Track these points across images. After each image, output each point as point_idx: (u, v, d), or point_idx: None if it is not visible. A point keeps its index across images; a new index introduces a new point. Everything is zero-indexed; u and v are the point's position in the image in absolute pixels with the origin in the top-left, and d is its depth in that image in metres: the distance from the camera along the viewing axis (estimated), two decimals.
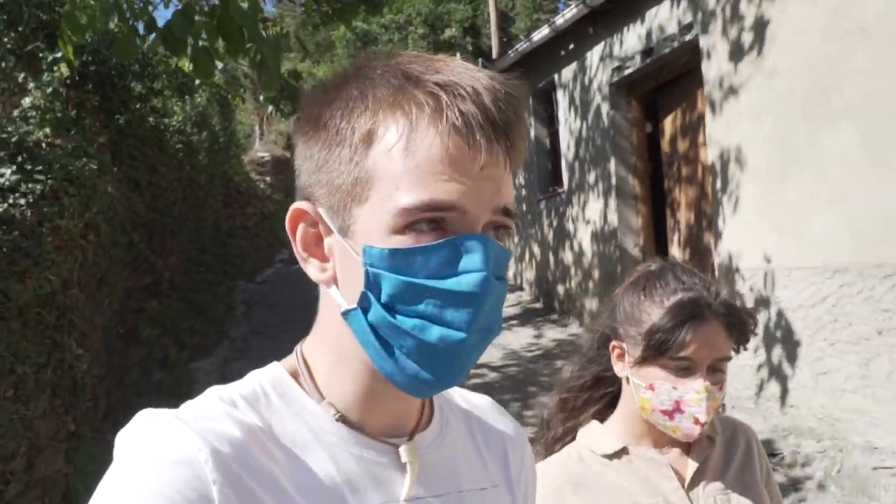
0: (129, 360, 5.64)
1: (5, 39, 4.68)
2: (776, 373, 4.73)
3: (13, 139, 3.50)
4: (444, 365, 0.63)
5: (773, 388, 4.77)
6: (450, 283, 0.61)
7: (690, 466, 1.30)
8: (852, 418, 4.12)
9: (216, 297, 8.69)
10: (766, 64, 4.64)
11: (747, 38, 4.79)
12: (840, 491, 3.97)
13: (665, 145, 6.46)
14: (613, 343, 1.32)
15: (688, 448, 1.32)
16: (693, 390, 1.21)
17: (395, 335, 0.63)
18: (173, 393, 5.75)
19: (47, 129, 3.87)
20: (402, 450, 0.70)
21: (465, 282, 0.61)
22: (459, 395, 0.88)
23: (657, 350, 1.22)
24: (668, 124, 6.37)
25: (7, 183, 3.40)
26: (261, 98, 11.50)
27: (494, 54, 13.08)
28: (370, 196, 0.63)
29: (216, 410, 0.63)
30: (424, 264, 0.62)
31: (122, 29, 4.45)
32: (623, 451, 1.32)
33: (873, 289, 3.91)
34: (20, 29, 4.69)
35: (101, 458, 4.08)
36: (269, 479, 0.61)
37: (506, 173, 0.65)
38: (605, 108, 6.80)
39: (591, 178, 7.10)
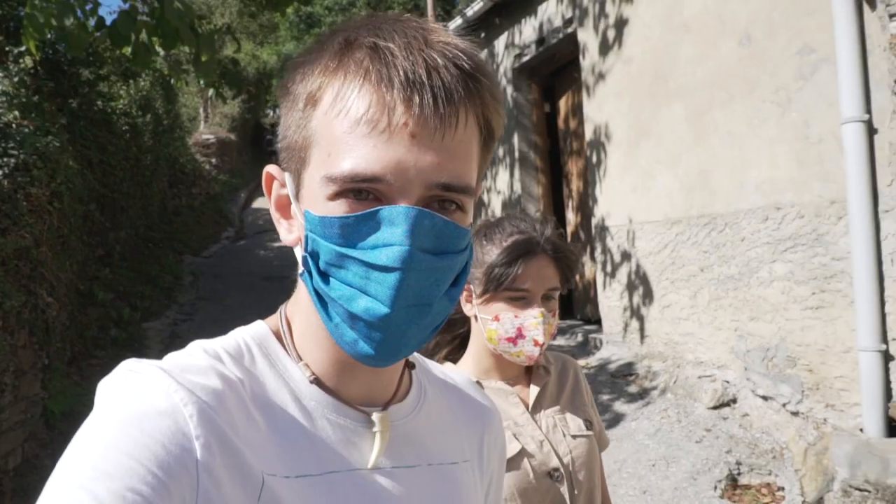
0: (88, 318, 6.36)
1: None
2: (636, 311, 5.76)
3: None
4: (378, 338, 0.63)
5: (635, 323, 5.79)
6: (370, 256, 0.61)
7: (532, 393, 1.49)
8: (686, 340, 5.16)
9: (164, 268, 9.37)
10: (625, 53, 5.61)
11: (611, 32, 5.75)
12: (674, 396, 5.01)
13: (560, 123, 7.43)
14: None
15: (528, 379, 1.52)
16: (531, 316, 1.40)
17: (329, 302, 0.64)
18: (127, 347, 6.51)
19: (16, 112, 4.59)
20: (374, 418, 0.71)
21: (384, 255, 0.60)
22: (439, 370, 0.90)
23: (497, 283, 1.40)
24: (563, 105, 7.33)
25: None
26: (201, 83, 12.10)
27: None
28: (312, 160, 0.64)
29: (202, 363, 0.63)
30: (351, 234, 0.61)
31: (75, 26, 5.16)
32: (478, 385, 1.50)
33: (697, 235, 4.93)
34: None
35: (69, 392, 4.86)
36: (250, 436, 0.62)
37: (454, 141, 0.62)
38: (509, 90, 7.71)
39: (500, 152, 8.03)
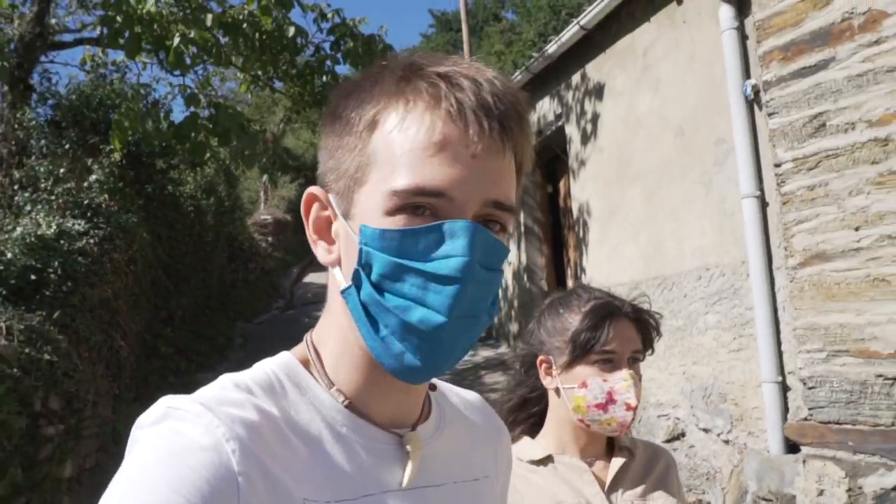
0: (151, 367, 7.53)
1: (72, 133, 6.79)
2: None
3: (86, 202, 5.51)
4: (427, 349, 0.65)
5: None
6: (431, 266, 0.64)
7: (611, 473, 1.42)
8: (648, 385, 5.96)
9: (219, 331, 10.58)
10: (598, 143, 6.67)
11: (589, 126, 6.83)
12: (638, 433, 5.77)
13: (561, 201, 8.46)
14: (541, 358, 1.45)
15: (609, 459, 1.45)
16: (621, 379, 1.35)
17: (381, 313, 0.66)
18: (184, 391, 7.61)
19: (105, 195, 5.89)
20: (407, 439, 0.73)
21: (446, 265, 0.63)
22: (453, 392, 0.92)
23: (584, 348, 1.37)
24: (562, 186, 8.39)
25: (83, 229, 5.39)
26: (257, 170, 13.68)
27: None
28: (369, 179, 0.67)
29: (237, 397, 0.65)
30: (411, 246, 0.64)
31: (152, 128, 6.54)
32: (548, 459, 1.43)
33: (653, 293, 5.81)
34: (81, 125, 6.81)
35: (134, 416, 5.97)
36: (288, 466, 0.64)
37: (503, 165, 0.67)
38: None
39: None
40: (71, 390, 4.44)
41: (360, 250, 0.66)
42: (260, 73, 8.56)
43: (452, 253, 0.63)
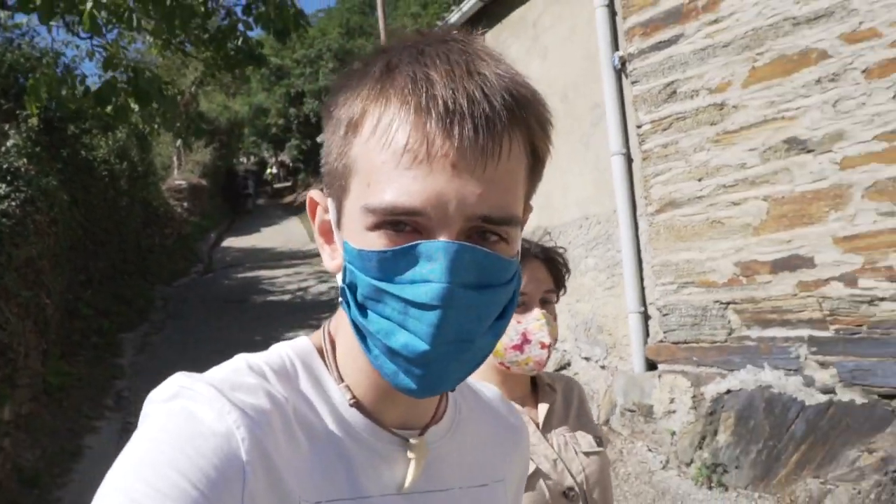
0: (73, 328, 7.76)
1: None
2: None
3: (4, 166, 5.70)
4: (418, 373, 0.62)
5: None
6: (410, 292, 0.59)
7: (541, 412, 1.50)
8: None
9: (138, 293, 10.75)
10: None
11: None
12: None
13: None
14: None
15: (535, 399, 1.53)
16: (534, 319, 1.41)
17: (367, 335, 0.64)
18: (106, 350, 7.90)
19: (24, 160, 6.06)
20: (412, 444, 0.71)
21: (424, 292, 0.59)
22: (471, 387, 0.89)
23: None
24: None
25: (3, 192, 5.60)
26: (171, 135, 13.67)
27: None
28: (351, 190, 0.63)
29: (251, 381, 0.64)
30: (389, 268, 0.60)
31: (68, 93, 6.70)
32: None
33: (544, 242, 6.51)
34: None
35: (61, 371, 6.26)
36: (291, 460, 0.62)
37: (496, 173, 0.60)
38: None
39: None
40: (4, 341, 4.76)
41: (345, 268, 0.65)
42: (171, 37, 8.69)
43: (430, 277, 0.58)
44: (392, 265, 0.60)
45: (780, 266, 4.31)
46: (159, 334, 9.07)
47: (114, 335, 8.43)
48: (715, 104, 4.58)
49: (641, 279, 5.17)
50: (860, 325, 4.01)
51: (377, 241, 0.61)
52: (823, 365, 4.14)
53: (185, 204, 19.20)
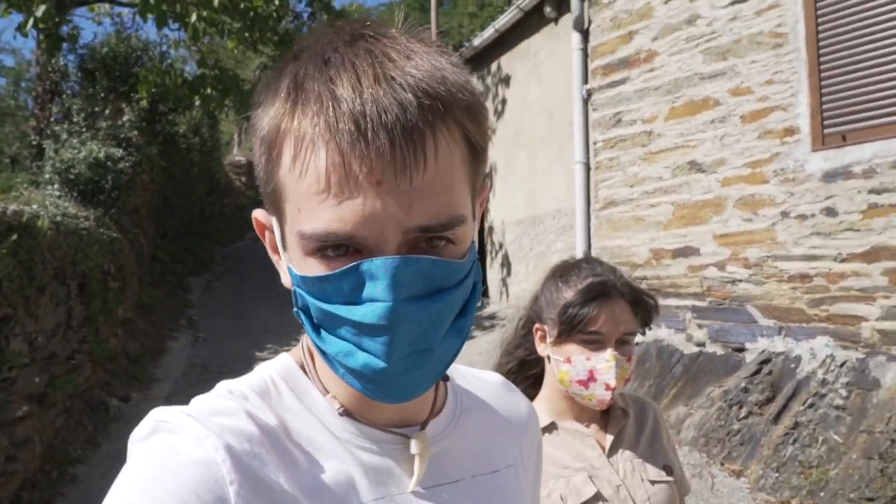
0: (153, 268, 9.73)
1: (104, 80, 8.84)
2: (504, 280, 9.00)
3: (122, 135, 7.59)
4: (382, 389, 0.61)
5: (503, 288, 9.02)
6: (358, 313, 0.58)
7: (608, 437, 1.49)
8: (524, 294, 8.38)
9: (202, 249, 12.74)
10: (504, 118, 8.95)
11: (499, 105, 9.09)
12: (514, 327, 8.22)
13: None
14: (536, 326, 1.50)
15: (605, 422, 1.52)
16: (604, 360, 1.39)
17: (327, 356, 0.63)
18: (179, 287, 9.85)
19: (136, 131, 7.98)
20: (413, 441, 0.69)
21: (371, 312, 0.57)
22: (473, 375, 0.88)
23: (571, 325, 1.39)
24: None
25: (120, 155, 7.52)
26: (236, 113, 15.66)
27: None
28: (286, 213, 0.61)
29: (230, 405, 0.63)
30: (333, 292, 0.59)
31: (170, 83, 8.61)
32: (552, 426, 1.49)
33: (528, 229, 8.18)
34: (110, 74, 8.87)
35: (150, 291, 8.19)
36: (284, 476, 0.61)
37: (427, 179, 0.57)
38: None
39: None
40: (121, 262, 6.66)
41: (295, 292, 0.63)
42: (249, 40, 10.60)
43: (375, 297, 0.57)
44: (336, 288, 0.59)
45: (678, 253, 5.92)
46: (219, 281, 11.03)
47: (184, 277, 10.40)
48: (645, 131, 6.19)
49: None
50: (725, 299, 5.60)
51: (316, 267, 0.59)
52: (700, 326, 5.75)
53: (243, 178, 21.31)
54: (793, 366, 5.15)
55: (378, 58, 0.58)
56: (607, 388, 1.39)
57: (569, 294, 1.43)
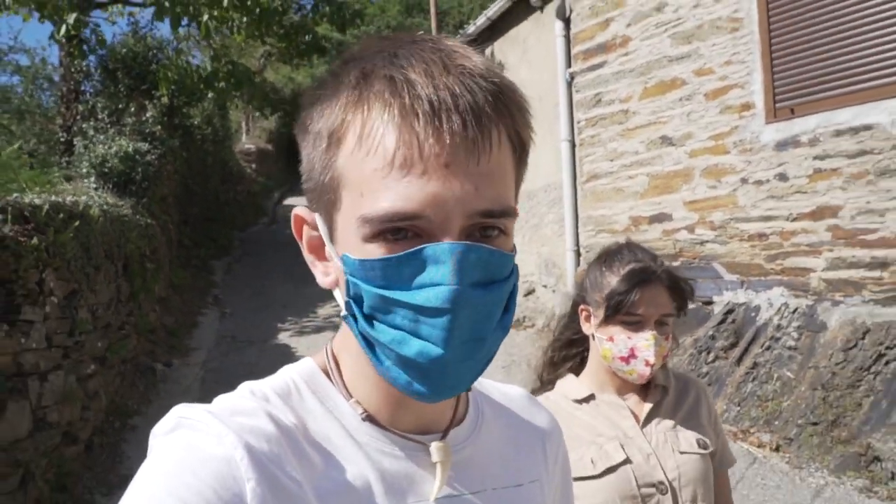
0: (178, 253, 10.49)
1: (126, 79, 9.54)
2: None
3: (147, 130, 8.30)
4: (433, 379, 0.61)
5: None
6: (418, 298, 0.59)
7: (645, 408, 1.59)
8: (521, 264, 9.10)
9: (221, 235, 13.50)
10: None
11: None
12: None
13: None
14: (581, 307, 1.62)
15: (644, 395, 1.62)
16: (643, 339, 1.50)
17: (378, 346, 0.63)
18: (203, 270, 10.61)
19: (159, 126, 8.68)
20: (434, 449, 0.69)
21: (432, 296, 0.58)
22: (495, 388, 0.87)
23: (615, 309, 1.51)
24: None
25: (146, 149, 8.23)
26: (247, 103, 16.32)
27: None
28: (343, 203, 0.62)
29: (250, 405, 0.64)
30: (394, 276, 0.59)
31: (188, 80, 9.29)
32: (591, 397, 1.61)
33: (523, 203, 8.84)
34: (131, 73, 9.57)
35: (179, 272, 8.95)
36: (301, 477, 0.61)
37: (489, 165, 0.60)
38: None
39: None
40: (154, 245, 7.40)
41: (347, 282, 0.63)
42: (257, 34, 11.25)
43: (438, 280, 0.58)
44: (397, 272, 0.59)
45: (653, 220, 6.59)
46: (239, 263, 11.80)
47: (207, 261, 11.16)
48: (622, 110, 6.84)
49: (576, 228, 7.49)
50: (695, 258, 6.28)
51: (377, 251, 0.60)
52: None
53: (254, 166, 22.01)
54: (753, 314, 5.83)
55: (444, 52, 0.61)
56: (647, 364, 1.50)
57: (612, 279, 1.55)
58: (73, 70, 10.02)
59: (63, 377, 4.19)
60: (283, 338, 7.96)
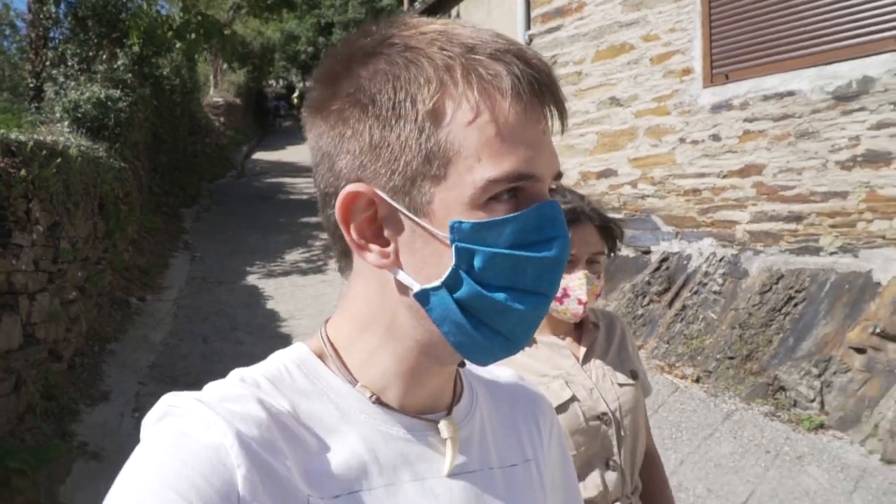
0: (148, 200, 10.74)
1: (96, 27, 9.67)
2: None
3: (118, 78, 8.48)
4: (525, 329, 0.66)
5: None
6: (542, 251, 0.63)
7: (582, 348, 1.66)
8: None
9: (190, 184, 13.71)
10: None
11: None
12: None
13: None
14: None
15: (579, 335, 1.69)
16: (576, 278, 1.55)
17: (486, 308, 0.64)
18: (173, 217, 10.89)
19: (130, 75, 8.86)
20: (442, 425, 0.71)
21: (555, 247, 0.64)
22: (483, 368, 0.87)
23: None
24: None
25: (118, 96, 8.45)
26: (216, 56, 16.33)
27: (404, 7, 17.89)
28: (448, 172, 0.62)
29: (240, 391, 0.64)
30: (514, 235, 0.62)
31: (159, 30, 9.46)
32: (532, 341, 1.52)
33: None
34: (101, 20, 9.71)
35: (150, 211, 9.24)
36: (293, 462, 0.62)
37: (550, 135, 0.66)
38: None
39: None
40: (127, 190, 7.70)
41: (457, 248, 0.62)
42: None
43: (553, 234, 0.64)
44: (518, 230, 0.62)
45: (601, 175, 7.09)
46: (209, 212, 12.07)
47: (176, 208, 11.42)
48: (576, 72, 7.27)
49: None
50: (637, 211, 6.81)
51: (489, 214, 0.62)
52: None
53: (222, 119, 21.96)
54: (685, 262, 6.41)
55: (486, 30, 0.65)
56: (580, 302, 1.55)
57: None
58: (41, 17, 10.09)
59: (49, 298, 4.56)
60: (252, 280, 8.35)
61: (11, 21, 13.15)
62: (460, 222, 0.62)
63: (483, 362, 0.68)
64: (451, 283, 0.63)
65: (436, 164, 0.62)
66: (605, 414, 1.56)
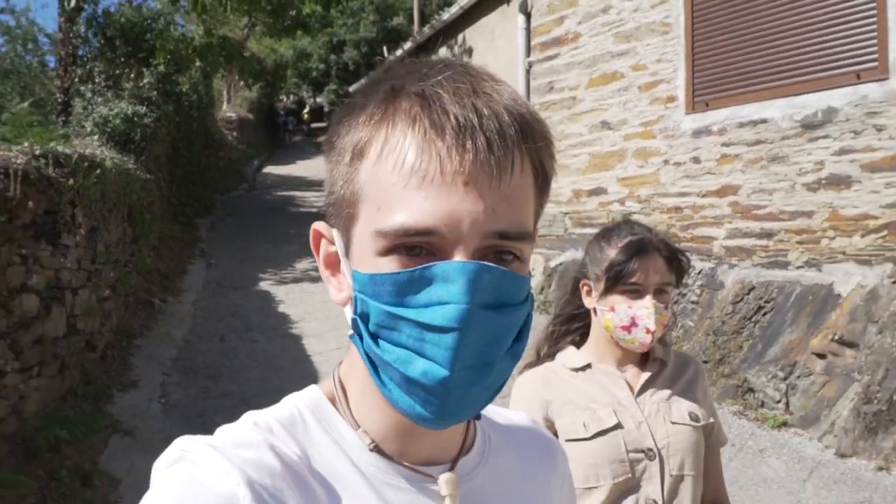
0: (166, 208, 11.32)
1: (124, 46, 10.31)
2: None
3: (145, 95, 9.11)
4: (437, 402, 0.60)
5: None
6: (426, 315, 0.58)
7: (641, 379, 1.65)
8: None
9: (205, 196, 14.30)
10: None
11: None
12: None
13: None
14: (583, 282, 1.68)
15: (642, 367, 1.67)
16: (643, 307, 1.55)
17: (382, 366, 0.62)
18: (189, 226, 11.46)
19: (154, 92, 9.48)
20: (442, 482, 0.68)
21: (442, 314, 0.58)
22: (498, 413, 0.86)
23: (615, 280, 1.57)
24: None
25: (144, 112, 9.04)
26: (236, 76, 17.01)
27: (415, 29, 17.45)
28: (360, 216, 0.62)
29: (254, 438, 0.63)
30: (403, 292, 0.59)
31: (183, 50, 10.08)
32: (588, 366, 1.66)
33: None
34: (128, 40, 10.35)
35: (169, 224, 9.81)
36: None
37: (510, 188, 0.60)
38: None
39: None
40: (151, 200, 8.27)
41: (356, 298, 0.63)
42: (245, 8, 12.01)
43: (447, 299, 0.57)
44: (407, 288, 0.59)
45: (592, 193, 7.62)
46: (222, 222, 12.66)
47: (192, 218, 12.01)
48: (571, 97, 7.83)
49: None
50: None
51: (389, 267, 0.59)
52: None
53: (235, 133, 22.63)
54: None
55: (473, 77, 0.61)
56: (647, 331, 1.55)
57: (611, 252, 1.59)
58: (71, 35, 10.74)
59: (88, 294, 5.10)
60: (265, 285, 8.90)
61: (35, 37, 13.80)
62: (357, 271, 0.63)
63: (422, 425, 0.63)
64: (358, 332, 0.64)
65: (353, 206, 0.63)
66: (650, 449, 1.54)
